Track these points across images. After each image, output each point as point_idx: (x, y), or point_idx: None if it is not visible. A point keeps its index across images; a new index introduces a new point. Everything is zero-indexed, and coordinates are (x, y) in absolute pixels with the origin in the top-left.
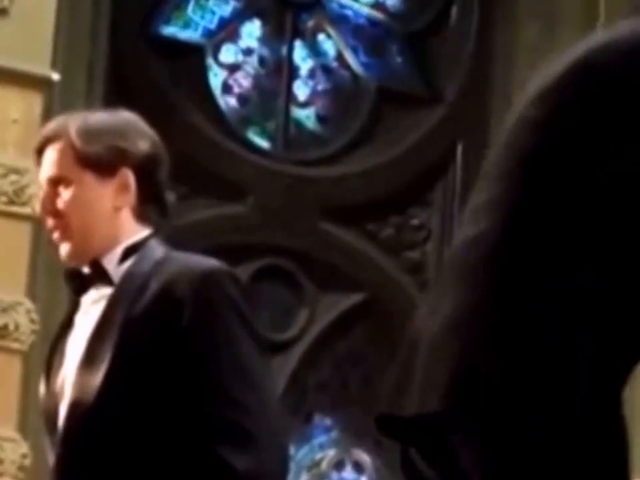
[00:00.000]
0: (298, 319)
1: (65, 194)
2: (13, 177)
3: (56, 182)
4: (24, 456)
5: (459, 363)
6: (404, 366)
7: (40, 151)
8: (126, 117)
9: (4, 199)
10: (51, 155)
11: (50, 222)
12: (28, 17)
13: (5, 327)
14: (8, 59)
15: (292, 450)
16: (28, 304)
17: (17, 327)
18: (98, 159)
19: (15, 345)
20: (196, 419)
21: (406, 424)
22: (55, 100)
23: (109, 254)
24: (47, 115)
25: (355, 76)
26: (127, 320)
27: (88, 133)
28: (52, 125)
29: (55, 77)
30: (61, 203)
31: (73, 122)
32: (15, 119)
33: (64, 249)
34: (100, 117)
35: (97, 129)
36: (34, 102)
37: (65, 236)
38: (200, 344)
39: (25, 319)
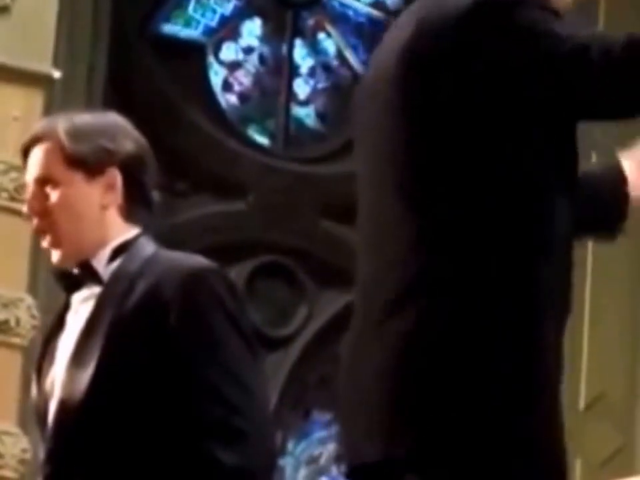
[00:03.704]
0: (297, 316)
1: (53, 194)
2: (14, 174)
3: (44, 182)
4: (24, 450)
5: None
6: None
7: (26, 151)
8: (112, 118)
9: (5, 195)
10: (38, 155)
11: (36, 222)
12: (29, 15)
13: (6, 322)
14: (9, 57)
15: (291, 445)
16: (29, 300)
17: (17, 323)
18: (86, 159)
19: (16, 340)
20: (185, 416)
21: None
22: (56, 97)
23: (98, 254)
24: (48, 112)
25: (355, 74)
26: (116, 319)
27: (76, 133)
28: (39, 126)
29: (56, 74)
30: (48, 204)
31: (61, 123)
32: (15, 117)
33: (55, 255)
34: (87, 118)
35: (85, 130)
36: (35, 99)
37: (55, 243)
38: (187, 344)
39: (25, 315)
